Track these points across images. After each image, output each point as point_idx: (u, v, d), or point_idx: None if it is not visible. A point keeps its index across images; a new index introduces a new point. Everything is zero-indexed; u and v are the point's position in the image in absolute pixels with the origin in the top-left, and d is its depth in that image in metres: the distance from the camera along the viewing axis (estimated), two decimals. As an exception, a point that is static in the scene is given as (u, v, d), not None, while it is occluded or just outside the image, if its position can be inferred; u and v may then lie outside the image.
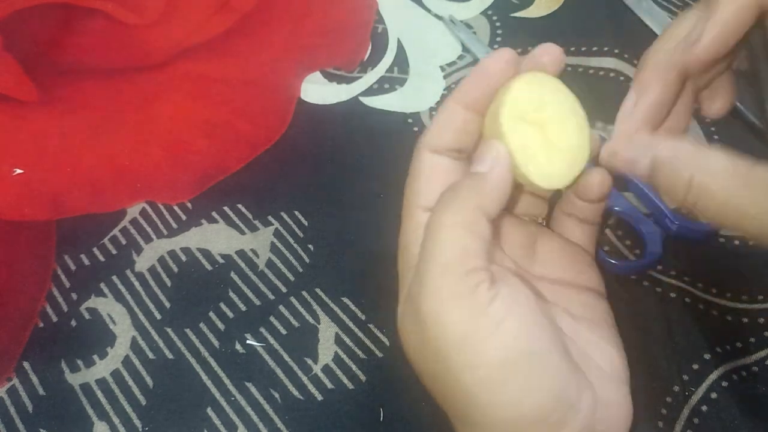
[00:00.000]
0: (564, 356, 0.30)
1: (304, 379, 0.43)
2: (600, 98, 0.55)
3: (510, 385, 0.29)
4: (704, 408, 0.40)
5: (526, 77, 0.33)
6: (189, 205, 0.50)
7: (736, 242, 0.47)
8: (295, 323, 0.45)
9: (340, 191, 0.51)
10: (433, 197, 0.33)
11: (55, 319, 0.46)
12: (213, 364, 0.44)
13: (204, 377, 0.43)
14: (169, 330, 0.45)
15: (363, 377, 0.42)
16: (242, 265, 0.47)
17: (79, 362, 0.44)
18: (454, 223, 0.30)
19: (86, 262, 0.48)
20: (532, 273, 0.35)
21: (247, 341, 0.44)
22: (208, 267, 0.47)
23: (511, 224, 0.36)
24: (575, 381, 0.30)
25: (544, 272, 0.36)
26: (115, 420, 0.42)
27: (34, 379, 0.44)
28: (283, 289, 0.46)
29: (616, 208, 0.48)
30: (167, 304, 0.46)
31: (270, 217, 0.50)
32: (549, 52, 0.34)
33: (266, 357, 0.44)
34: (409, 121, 0.54)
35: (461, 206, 0.31)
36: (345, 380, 0.42)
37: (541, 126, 0.33)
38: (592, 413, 0.30)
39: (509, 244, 0.36)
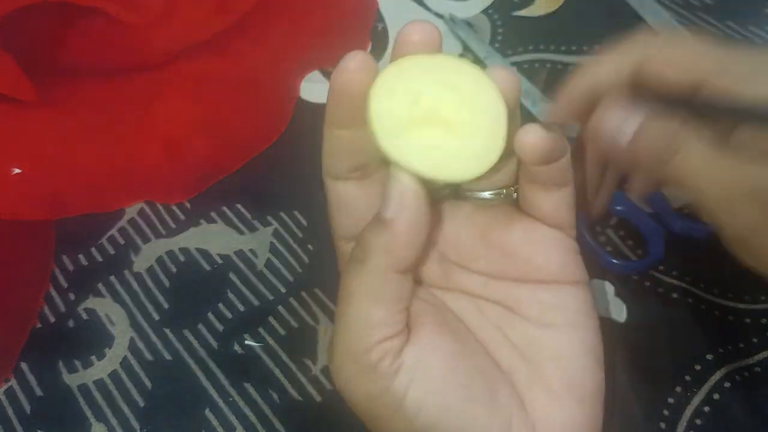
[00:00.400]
0: (481, 407, 0.29)
1: (303, 380, 0.42)
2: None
3: None
4: (706, 409, 0.40)
5: (382, 77, 0.28)
6: (187, 205, 0.50)
7: (739, 242, 0.47)
8: (294, 324, 0.45)
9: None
10: (346, 227, 0.33)
11: (53, 319, 0.46)
12: (211, 365, 0.43)
13: (202, 378, 0.43)
14: (167, 331, 0.45)
15: (362, 378, 0.42)
16: (241, 265, 0.47)
17: (77, 363, 0.44)
18: (359, 294, 0.29)
19: (84, 262, 0.48)
20: (493, 274, 0.33)
21: (246, 342, 0.44)
22: (207, 267, 0.47)
23: (472, 214, 0.33)
24: (498, 425, 0.29)
25: (509, 269, 0.32)
26: (113, 421, 0.42)
27: (32, 380, 0.43)
28: (282, 290, 0.46)
29: (618, 208, 0.48)
30: (165, 305, 0.46)
31: (269, 217, 0.49)
32: (417, 30, 0.29)
33: (265, 358, 0.43)
34: (410, 120, 0.54)
35: (368, 271, 0.29)
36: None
37: (429, 118, 0.28)
38: None
39: (468, 243, 0.33)
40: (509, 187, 0.33)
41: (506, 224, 0.32)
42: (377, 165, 0.32)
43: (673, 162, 0.29)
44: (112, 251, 0.48)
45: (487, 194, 0.33)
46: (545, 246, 0.32)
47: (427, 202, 0.29)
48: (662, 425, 0.40)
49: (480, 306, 0.33)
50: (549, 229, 0.32)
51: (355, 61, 0.28)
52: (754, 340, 0.43)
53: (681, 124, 0.29)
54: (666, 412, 0.40)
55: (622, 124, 0.30)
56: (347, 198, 0.32)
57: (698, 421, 0.40)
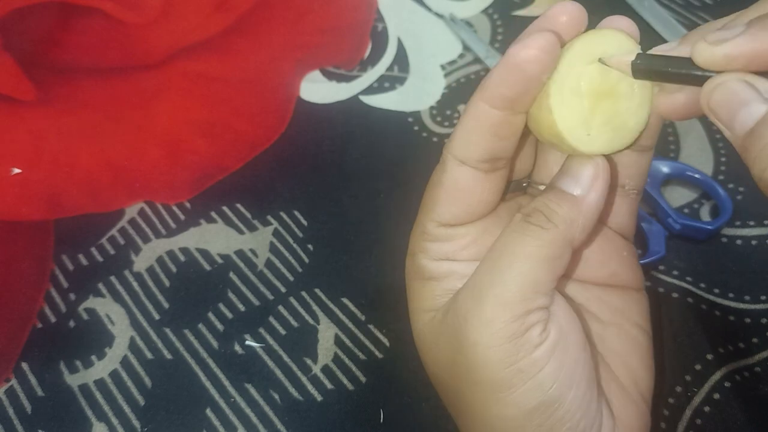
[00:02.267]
0: (593, 392, 0.30)
1: (304, 379, 0.42)
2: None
3: (530, 429, 0.29)
4: (707, 409, 0.40)
5: (556, 74, 0.29)
6: (187, 205, 0.50)
7: (739, 242, 0.47)
8: (295, 323, 0.45)
9: (339, 191, 0.51)
10: (449, 213, 0.31)
11: (53, 319, 0.45)
12: (212, 364, 0.43)
13: (203, 378, 0.43)
14: (167, 330, 0.45)
15: (363, 378, 0.42)
16: (241, 265, 0.47)
17: (78, 363, 0.44)
18: (533, 255, 0.28)
19: (84, 262, 0.48)
20: (567, 273, 0.32)
21: (246, 342, 0.44)
22: (207, 267, 0.47)
23: None
24: (599, 416, 0.30)
25: (580, 271, 0.33)
26: (114, 421, 0.42)
27: (33, 380, 0.43)
28: (283, 290, 0.46)
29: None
30: (166, 305, 0.46)
31: (269, 217, 0.49)
32: (564, 12, 0.29)
33: (265, 357, 0.43)
34: (410, 119, 0.54)
35: (548, 237, 0.29)
36: (345, 381, 0.42)
37: (596, 93, 0.29)
38: None
39: None
40: None
41: None
42: (505, 162, 0.31)
43: None
44: (112, 251, 0.48)
45: None
46: (618, 254, 0.33)
47: (608, 186, 0.30)
48: (662, 425, 0.40)
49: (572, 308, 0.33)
50: (620, 238, 0.34)
51: (543, 41, 0.28)
52: (755, 340, 0.43)
53: None
54: (666, 412, 0.40)
55: (743, 107, 0.25)
56: (465, 186, 0.31)
57: (698, 421, 0.40)
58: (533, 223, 0.29)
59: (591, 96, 0.29)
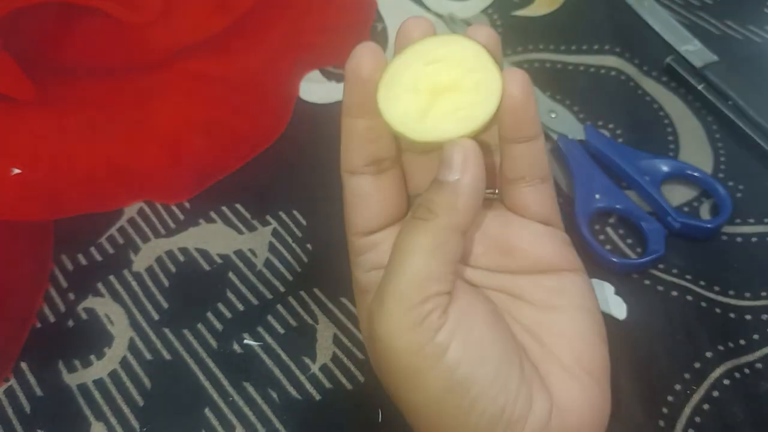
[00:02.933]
0: (511, 370, 0.31)
1: (302, 378, 0.42)
2: (600, 97, 0.55)
3: (450, 411, 0.30)
4: (706, 406, 0.40)
5: (384, 75, 0.31)
6: (187, 204, 0.50)
7: (739, 240, 0.47)
8: (293, 323, 0.44)
9: (339, 190, 0.50)
10: (361, 221, 0.34)
11: (52, 319, 0.45)
12: (210, 364, 0.43)
13: (202, 378, 0.43)
14: (166, 331, 0.45)
15: (361, 378, 0.42)
16: (240, 265, 0.47)
17: (77, 363, 0.44)
18: (420, 247, 0.30)
19: (83, 261, 0.48)
20: (494, 269, 0.34)
21: (245, 341, 0.44)
22: (206, 267, 0.47)
23: None
24: (524, 393, 0.31)
25: (509, 264, 0.34)
26: (113, 421, 0.42)
27: (32, 380, 0.43)
28: (282, 289, 0.46)
29: (618, 206, 0.48)
30: (165, 305, 0.46)
31: (268, 217, 0.49)
32: (415, 26, 0.33)
33: (264, 357, 0.43)
34: (409, 120, 0.54)
35: (432, 227, 0.30)
36: (343, 380, 0.42)
37: (434, 88, 0.31)
38: (545, 421, 0.31)
39: (469, 240, 0.34)
40: (494, 189, 0.35)
41: (501, 223, 0.35)
42: (391, 162, 0.34)
43: None
44: (111, 251, 0.48)
45: None
46: (540, 240, 0.34)
47: (483, 165, 0.31)
48: (661, 423, 0.40)
49: (486, 293, 0.34)
50: (540, 225, 0.35)
51: (365, 48, 0.32)
52: (755, 336, 0.42)
53: None
54: (665, 410, 0.40)
55: None
56: (363, 192, 0.34)
57: (697, 419, 0.40)
58: (418, 217, 0.31)
59: (427, 91, 0.31)
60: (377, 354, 0.31)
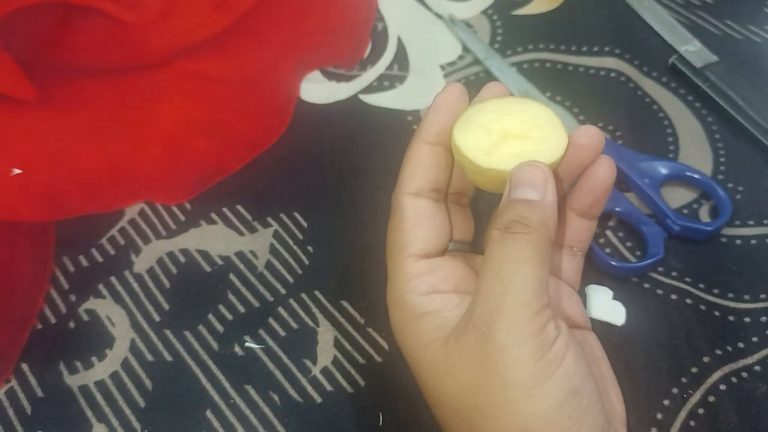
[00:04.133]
0: (599, 393, 0.33)
1: (303, 381, 0.42)
2: (600, 98, 0.55)
3: (563, 423, 0.31)
4: (701, 411, 0.40)
5: (461, 118, 0.35)
6: (188, 205, 0.50)
7: (738, 242, 0.47)
8: (294, 325, 0.45)
9: (340, 191, 0.51)
10: (422, 243, 0.35)
11: (53, 320, 0.46)
12: (212, 366, 0.43)
13: (203, 380, 0.43)
14: (167, 332, 0.45)
15: (362, 381, 0.42)
16: (241, 266, 0.47)
17: (78, 364, 0.44)
18: (530, 257, 0.31)
19: (84, 263, 0.48)
20: None
21: (246, 344, 0.44)
22: (207, 269, 0.47)
23: None
24: (609, 420, 0.33)
25: None
26: (114, 422, 0.42)
27: (33, 381, 0.43)
28: (283, 291, 0.46)
29: (618, 209, 0.48)
30: (166, 306, 0.46)
31: (269, 219, 0.49)
32: (490, 90, 0.37)
33: (265, 359, 0.43)
34: (409, 119, 0.54)
35: (534, 240, 0.31)
36: (344, 383, 0.42)
37: (505, 133, 0.35)
38: None
39: None
40: None
41: None
42: (444, 196, 0.37)
43: None
44: (112, 252, 0.48)
45: None
46: (569, 300, 0.38)
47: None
48: (654, 430, 0.40)
49: None
50: (568, 287, 0.39)
51: (458, 87, 0.36)
52: (754, 339, 0.43)
53: None
54: (660, 416, 0.40)
55: None
56: (427, 213, 0.36)
57: (692, 423, 0.40)
58: (516, 231, 0.32)
59: (498, 133, 0.35)
60: (488, 366, 0.31)
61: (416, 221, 0.35)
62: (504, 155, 0.34)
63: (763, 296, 0.44)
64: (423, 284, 0.35)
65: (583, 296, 0.44)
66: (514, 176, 0.33)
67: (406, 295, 0.35)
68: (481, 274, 0.32)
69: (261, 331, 0.44)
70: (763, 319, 0.44)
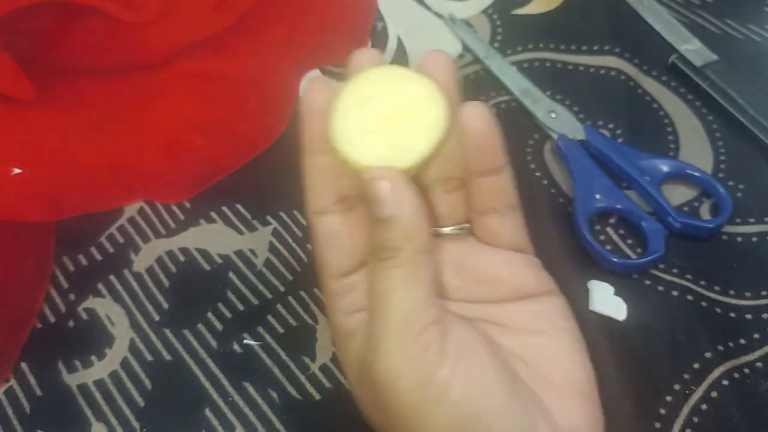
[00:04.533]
0: (514, 398, 0.30)
1: (302, 378, 0.42)
2: (600, 97, 0.55)
3: None
4: (704, 407, 0.40)
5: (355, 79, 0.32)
6: (187, 204, 0.50)
7: (739, 239, 0.47)
8: (293, 323, 0.45)
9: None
10: (337, 262, 0.33)
11: (53, 319, 0.46)
12: (211, 364, 0.43)
13: (202, 378, 0.43)
14: (167, 331, 0.45)
15: (361, 377, 0.42)
16: (240, 265, 0.47)
17: (77, 363, 0.44)
18: (399, 281, 0.30)
19: (84, 262, 0.48)
20: (473, 300, 0.34)
21: (245, 341, 0.44)
22: (207, 267, 0.47)
23: (441, 251, 0.34)
24: (528, 419, 0.30)
25: (487, 294, 0.34)
26: (113, 421, 0.42)
27: (32, 380, 0.43)
28: (282, 289, 0.46)
29: (618, 207, 0.48)
30: (165, 305, 0.46)
31: (268, 217, 0.49)
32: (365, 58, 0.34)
33: (264, 356, 0.43)
34: (409, 119, 0.54)
35: (401, 262, 0.30)
36: (343, 380, 0.42)
37: (379, 118, 0.31)
38: None
39: (446, 274, 0.34)
40: (465, 223, 0.35)
41: (475, 255, 0.35)
42: (357, 201, 0.33)
43: None
44: (111, 250, 0.48)
45: (448, 229, 0.35)
46: (515, 268, 0.35)
47: (411, 185, 0.30)
48: (658, 425, 0.40)
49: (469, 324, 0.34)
50: (513, 253, 0.35)
51: (318, 83, 0.32)
52: (756, 335, 0.42)
53: None
54: (663, 411, 0.40)
55: None
56: (335, 232, 0.33)
57: (695, 419, 0.40)
58: (383, 258, 0.30)
59: (376, 118, 0.31)
60: (376, 399, 0.31)
61: (325, 242, 0.33)
62: (381, 142, 0.31)
63: (764, 293, 0.44)
64: (345, 305, 0.34)
65: (585, 291, 0.44)
66: (368, 192, 0.30)
67: (332, 315, 0.34)
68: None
69: (260, 329, 0.44)
70: (765, 316, 0.43)
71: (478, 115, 0.32)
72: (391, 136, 0.31)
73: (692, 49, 0.57)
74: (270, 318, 0.45)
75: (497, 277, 0.34)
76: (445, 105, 0.31)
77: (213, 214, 0.49)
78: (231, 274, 0.47)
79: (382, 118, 0.31)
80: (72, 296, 0.46)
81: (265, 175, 0.51)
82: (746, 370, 0.41)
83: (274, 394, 0.42)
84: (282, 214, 0.49)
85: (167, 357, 0.44)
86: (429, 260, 0.30)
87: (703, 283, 0.45)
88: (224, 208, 0.50)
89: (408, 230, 0.30)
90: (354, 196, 0.33)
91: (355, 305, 0.33)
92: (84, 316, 0.46)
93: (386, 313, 0.30)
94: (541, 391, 0.32)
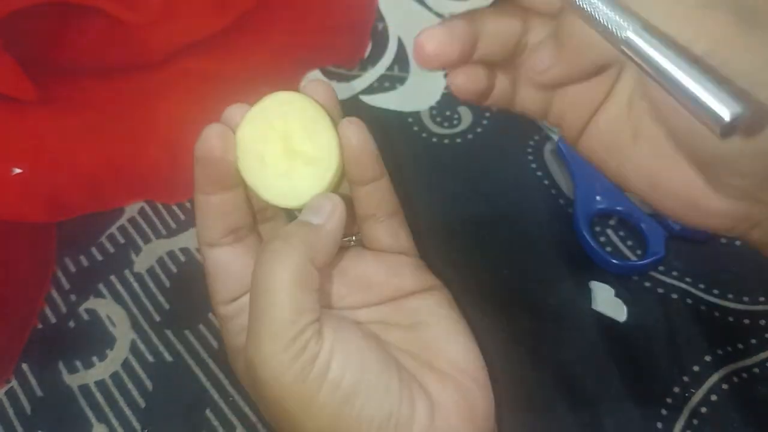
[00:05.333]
0: (392, 375, 0.32)
1: (303, 380, 0.42)
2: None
3: (352, 424, 0.31)
4: (704, 410, 0.40)
5: (260, 104, 0.35)
6: (188, 204, 0.50)
7: (738, 243, 0.47)
8: (294, 324, 0.45)
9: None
10: (226, 291, 0.35)
11: (53, 320, 0.46)
12: (211, 365, 0.44)
13: (203, 379, 0.43)
14: (168, 332, 0.45)
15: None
16: (241, 265, 0.47)
17: (78, 363, 0.44)
18: (283, 283, 0.31)
19: (85, 262, 0.48)
20: (359, 306, 0.36)
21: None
22: (207, 267, 0.47)
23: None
24: (406, 396, 0.32)
25: (371, 297, 0.36)
26: (114, 422, 0.42)
27: (33, 381, 0.43)
28: (282, 290, 0.46)
29: (619, 208, 0.48)
30: (166, 306, 0.46)
31: (269, 217, 0.49)
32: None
33: (265, 358, 0.43)
34: (410, 120, 0.54)
35: (291, 263, 0.31)
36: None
37: (283, 141, 0.34)
38: (429, 421, 0.32)
39: (333, 284, 0.36)
40: (351, 235, 0.38)
41: (359, 262, 0.36)
42: (248, 230, 0.36)
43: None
44: (112, 250, 0.48)
45: None
46: (395, 270, 0.37)
47: (344, 218, 0.33)
48: (659, 425, 0.40)
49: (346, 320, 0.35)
50: (393, 255, 0.37)
51: (213, 131, 0.34)
52: (753, 341, 0.43)
53: None
54: (664, 412, 0.40)
55: None
56: (223, 262, 0.35)
57: (695, 421, 0.40)
58: (272, 249, 0.31)
59: (279, 156, 0.34)
60: (266, 398, 0.31)
61: (215, 273, 0.36)
62: (297, 181, 0.34)
63: (762, 299, 0.44)
64: (234, 326, 0.35)
65: (587, 291, 0.45)
66: (307, 203, 0.33)
67: (226, 338, 0.36)
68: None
69: (261, 331, 0.44)
70: (762, 322, 0.44)
71: (354, 131, 0.34)
72: (294, 178, 0.33)
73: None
74: (271, 319, 0.45)
75: (379, 281, 0.36)
76: (334, 130, 0.34)
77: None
78: (232, 275, 0.47)
79: (283, 154, 0.33)
80: (73, 297, 0.46)
81: (266, 176, 0.51)
82: (744, 375, 0.41)
83: (275, 396, 0.42)
84: (282, 214, 0.49)
85: (168, 357, 0.44)
86: (314, 271, 0.32)
87: (702, 286, 0.45)
88: (225, 209, 0.50)
89: (315, 240, 0.32)
90: (243, 227, 0.35)
91: (244, 326, 0.33)
92: (85, 316, 0.46)
93: (268, 312, 0.31)
94: (424, 376, 0.33)
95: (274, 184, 0.34)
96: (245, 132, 0.34)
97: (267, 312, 0.30)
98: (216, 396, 0.42)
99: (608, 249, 0.47)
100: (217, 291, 0.36)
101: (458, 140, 0.52)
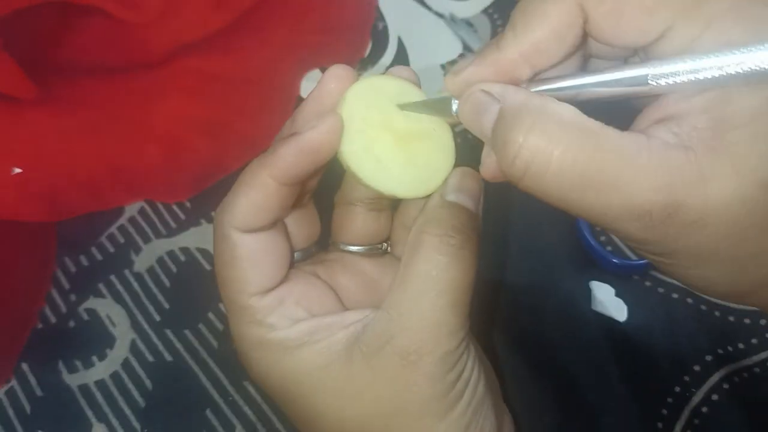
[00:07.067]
0: (492, 392, 0.33)
1: (303, 380, 0.42)
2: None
3: None
4: (704, 409, 0.40)
5: (351, 93, 0.32)
6: (188, 204, 0.50)
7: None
8: (295, 324, 0.45)
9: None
10: (265, 281, 0.32)
11: (54, 320, 0.46)
12: (211, 364, 0.43)
13: (203, 378, 0.43)
14: (168, 332, 0.45)
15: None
16: (241, 265, 0.47)
17: (78, 363, 0.44)
18: (455, 281, 0.30)
19: (85, 262, 0.48)
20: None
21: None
22: (208, 267, 0.47)
23: (361, 268, 0.36)
24: (501, 411, 0.34)
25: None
26: (114, 422, 0.42)
27: (33, 381, 0.43)
28: (283, 290, 0.46)
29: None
30: (166, 305, 0.46)
31: (269, 217, 0.49)
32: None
33: (265, 358, 0.43)
34: (410, 119, 0.54)
35: (466, 259, 0.31)
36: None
37: (393, 131, 0.32)
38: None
39: (357, 292, 0.35)
40: (382, 242, 0.37)
41: (392, 272, 0.35)
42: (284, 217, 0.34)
43: (522, 154, 0.26)
44: (112, 250, 0.48)
45: (360, 248, 0.36)
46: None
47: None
48: (660, 425, 0.40)
49: None
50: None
51: (329, 125, 0.31)
52: (754, 341, 0.43)
53: (541, 102, 0.27)
54: (665, 411, 0.40)
55: (485, 112, 0.29)
56: (262, 249, 0.32)
57: (696, 421, 0.40)
58: (451, 244, 0.30)
59: (386, 144, 0.31)
60: (409, 393, 0.30)
61: (254, 259, 0.31)
62: (403, 171, 0.31)
63: (763, 296, 0.44)
64: (280, 319, 0.32)
65: (587, 290, 0.45)
66: (452, 180, 0.32)
67: (267, 335, 0.31)
68: (403, 285, 0.30)
69: (261, 330, 0.44)
70: (762, 321, 0.43)
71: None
72: (413, 167, 0.32)
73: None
74: (271, 319, 0.45)
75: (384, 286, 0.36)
76: (452, 155, 0.33)
77: (213, 214, 0.49)
78: (232, 275, 0.47)
79: (395, 143, 0.31)
80: (73, 296, 0.46)
81: (266, 175, 0.51)
82: (745, 374, 0.41)
83: (275, 396, 0.42)
84: (282, 214, 0.49)
85: (168, 357, 0.44)
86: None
87: (702, 285, 0.45)
88: (225, 208, 0.50)
89: (477, 229, 0.31)
90: (282, 218, 0.33)
91: (292, 316, 0.32)
92: (85, 316, 0.46)
93: (446, 307, 0.30)
94: None
95: (403, 179, 0.31)
96: (347, 147, 0.31)
97: (443, 308, 0.29)
98: (216, 396, 0.42)
99: (609, 248, 0.47)
100: (250, 281, 0.31)
101: (458, 140, 0.52)
